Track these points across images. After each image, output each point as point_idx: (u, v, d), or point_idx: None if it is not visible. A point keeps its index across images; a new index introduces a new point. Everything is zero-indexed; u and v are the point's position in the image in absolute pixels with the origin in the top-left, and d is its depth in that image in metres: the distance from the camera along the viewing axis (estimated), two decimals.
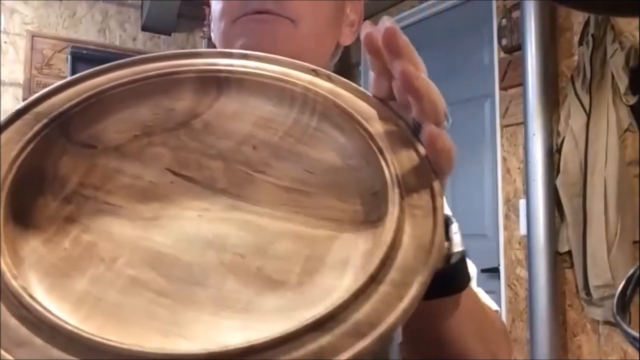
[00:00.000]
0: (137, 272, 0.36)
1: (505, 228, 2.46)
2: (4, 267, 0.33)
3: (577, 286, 2.14)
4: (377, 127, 0.41)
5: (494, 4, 2.57)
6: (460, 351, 0.50)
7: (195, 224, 0.39)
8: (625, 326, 0.59)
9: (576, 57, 2.20)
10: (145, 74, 0.45)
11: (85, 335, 0.31)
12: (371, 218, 0.38)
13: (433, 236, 0.36)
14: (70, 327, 0.31)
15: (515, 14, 2.40)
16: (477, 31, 2.70)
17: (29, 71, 3.02)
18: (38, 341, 0.31)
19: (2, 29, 3.00)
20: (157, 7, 3.18)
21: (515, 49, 2.40)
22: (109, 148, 0.42)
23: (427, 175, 0.39)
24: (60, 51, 3.10)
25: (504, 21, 2.47)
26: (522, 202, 2.34)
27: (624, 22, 2.03)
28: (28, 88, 2.98)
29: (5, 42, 3.02)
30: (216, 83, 0.46)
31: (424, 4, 2.94)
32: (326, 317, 0.32)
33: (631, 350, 1.99)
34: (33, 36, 3.06)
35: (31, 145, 0.39)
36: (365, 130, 0.41)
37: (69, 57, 3.05)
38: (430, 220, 0.37)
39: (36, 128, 0.40)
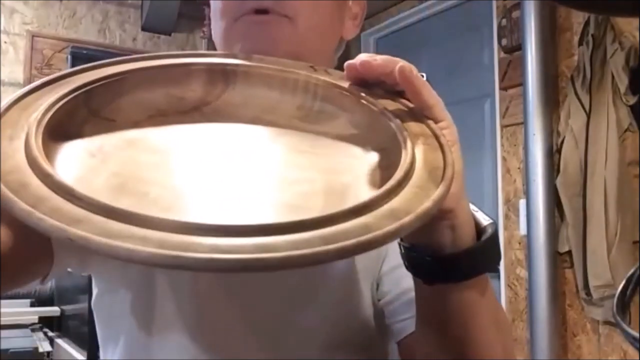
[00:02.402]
0: (170, 193, 0.39)
1: (505, 228, 2.46)
2: (51, 170, 0.36)
3: (577, 286, 2.14)
4: (373, 96, 0.48)
5: (494, 4, 2.57)
6: (480, 340, 0.50)
7: (218, 163, 0.44)
8: (625, 326, 0.59)
9: (576, 57, 2.20)
10: (158, 62, 0.50)
11: (144, 213, 0.33)
12: (383, 165, 0.43)
13: (445, 159, 0.41)
14: (126, 208, 0.33)
15: (515, 14, 2.40)
16: (477, 31, 2.70)
17: (28, 71, 3.02)
18: (96, 218, 0.32)
19: (2, 29, 3.00)
20: (157, 7, 3.17)
21: (515, 49, 2.40)
22: (127, 122, 0.46)
23: (425, 122, 0.45)
24: (60, 51, 3.09)
25: (504, 21, 2.47)
26: (522, 202, 2.34)
27: (624, 22, 2.03)
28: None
29: (5, 42, 3.01)
30: (223, 75, 0.51)
31: (424, 4, 2.94)
32: (362, 205, 0.36)
33: (631, 351, 1.99)
34: (33, 36, 3.06)
35: (59, 105, 0.42)
36: (367, 100, 0.47)
37: (69, 57, 3.05)
38: (439, 152, 0.42)
39: (62, 92, 0.44)
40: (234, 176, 0.42)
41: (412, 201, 0.37)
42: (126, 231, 0.32)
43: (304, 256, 0.32)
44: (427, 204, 0.37)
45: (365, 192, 0.39)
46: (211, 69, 0.51)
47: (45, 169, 0.36)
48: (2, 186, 0.34)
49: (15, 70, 3.01)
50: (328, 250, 0.32)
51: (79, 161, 0.41)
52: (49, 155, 0.38)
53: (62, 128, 0.42)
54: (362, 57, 0.47)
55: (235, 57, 0.53)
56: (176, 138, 0.46)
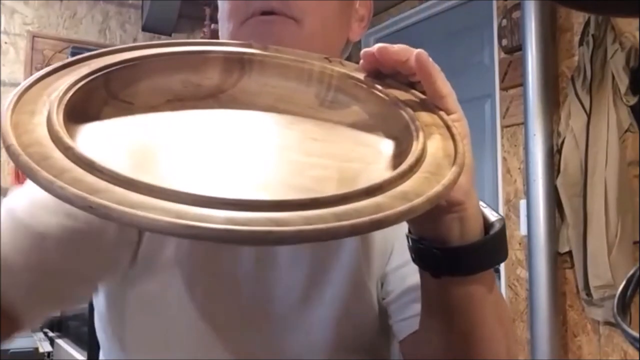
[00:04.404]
0: (185, 174, 0.40)
1: (506, 228, 2.45)
2: (72, 143, 0.36)
3: (577, 286, 2.14)
4: (387, 87, 0.49)
5: (495, 4, 2.57)
6: (484, 336, 0.50)
7: (233, 147, 0.45)
8: (625, 326, 0.59)
9: (576, 58, 2.20)
10: (176, 49, 0.51)
11: (165, 185, 0.33)
12: (394, 154, 0.44)
13: (456, 147, 0.42)
14: (148, 181, 0.33)
15: (515, 15, 2.40)
16: (478, 31, 2.70)
17: (29, 71, 3.02)
18: (117, 189, 0.33)
19: (2, 29, 3.00)
20: (158, 7, 3.17)
21: (515, 50, 2.40)
22: (145, 106, 0.46)
23: (437, 113, 0.46)
24: (60, 51, 3.10)
25: (504, 21, 2.47)
26: (523, 203, 2.34)
27: (624, 23, 2.03)
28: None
29: (5, 43, 3.02)
30: (240, 64, 0.51)
31: (425, 5, 2.94)
32: (375, 187, 0.36)
33: (631, 351, 1.99)
34: (33, 36, 3.06)
35: (79, 85, 0.43)
36: (380, 90, 0.48)
37: (69, 57, 3.05)
38: (450, 141, 0.43)
39: (82, 74, 0.44)
40: (248, 160, 0.43)
41: (424, 185, 0.38)
42: (146, 202, 0.32)
43: (317, 231, 0.32)
44: (438, 187, 0.37)
45: (376, 179, 0.39)
46: (228, 57, 0.52)
47: (67, 142, 0.36)
48: (25, 157, 0.34)
49: (15, 70, 3.01)
50: (342, 226, 0.33)
51: (97, 141, 0.41)
52: (69, 134, 0.39)
53: (81, 109, 0.43)
54: (380, 44, 0.48)
55: (251, 46, 0.54)
56: (193, 123, 0.47)
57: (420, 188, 0.37)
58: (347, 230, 0.33)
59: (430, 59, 0.46)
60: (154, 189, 0.33)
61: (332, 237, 0.33)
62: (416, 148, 0.41)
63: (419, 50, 0.46)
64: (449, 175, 0.39)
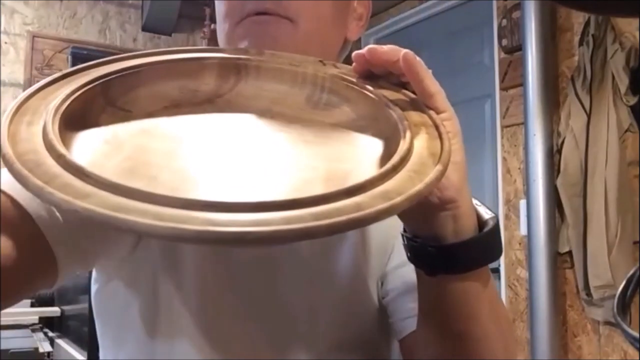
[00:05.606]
0: (178, 177, 0.41)
1: (506, 228, 2.46)
2: (64, 151, 0.38)
3: (577, 286, 2.14)
4: (379, 88, 0.50)
5: (495, 4, 2.57)
6: (480, 334, 0.50)
7: (226, 150, 0.46)
8: (625, 326, 0.59)
9: (576, 58, 2.20)
10: (174, 57, 0.52)
11: (146, 189, 0.34)
12: (384, 154, 0.44)
13: (442, 146, 0.42)
14: (131, 185, 0.35)
15: (515, 15, 2.40)
16: (478, 31, 2.71)
17: (29, 71, 3.02)
18: (102, 193, 0.35)
19: (2, 29, 3.00)
20: (158, 7, 3.17)
21: (515, 50, 2.40)
22: (142, 113, 0.47)
23: (427, 112, 0.46)
24: (60, 51, 3.10)
25: (504, 21, 2.47)
26: (523, 203, 2.34)
27: (624, 23, 2.03)
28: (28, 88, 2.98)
29: (5, 43, 3.02)
30: (235, 69, 0.52)
31: (425, 4, 2.94)
32: (356, 187, 0.37)
33: (631, 351, 1.99)
34: (33, 36, 3.06)
35: (76, 94, 0.44)
36: (371, 91, 0.49)
37: (70, 57, 3.05)
38: (438, 140, 0.43)
39: (80, 83, 0.46)
40: (240, 163, 0.44)
41: (406, 184, 0.38)
42: (127, 205, 0.33)
43: (294, 230, 0.33)
44: (419, 186, 0.38)
45: (363, 179, 0.39)
46: (224, 63, 0.53)
47: (59, 150, 0.38)
48: (18, 165, 0.36)
49: (15, 70, 3.01)
50: (319, 226, 0.33)
51: (93, 147, 0.42)
52: (66, 142, 0.40)
53: (79, 117, 0.44)
54: (370, 46, 0.48)
55: (247, 52, 0.55)
56: (189, 127, 0.48)
57: (402, 187, 0.37)
58: (325, 229, 0.33)
59: (418, 58, 0.46)
60: (136, 193, 0.34)
61: (310, 237, 0.33)
62: (402, 147, 0.41)
63: (405, 50, 0.46)
64: (431, 173, 0.39)
